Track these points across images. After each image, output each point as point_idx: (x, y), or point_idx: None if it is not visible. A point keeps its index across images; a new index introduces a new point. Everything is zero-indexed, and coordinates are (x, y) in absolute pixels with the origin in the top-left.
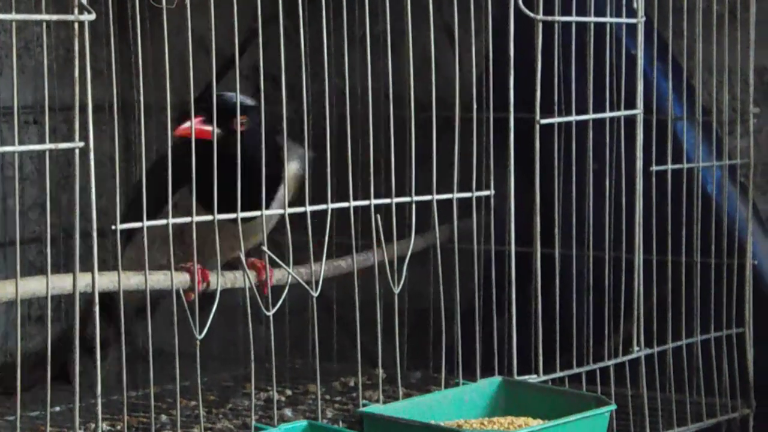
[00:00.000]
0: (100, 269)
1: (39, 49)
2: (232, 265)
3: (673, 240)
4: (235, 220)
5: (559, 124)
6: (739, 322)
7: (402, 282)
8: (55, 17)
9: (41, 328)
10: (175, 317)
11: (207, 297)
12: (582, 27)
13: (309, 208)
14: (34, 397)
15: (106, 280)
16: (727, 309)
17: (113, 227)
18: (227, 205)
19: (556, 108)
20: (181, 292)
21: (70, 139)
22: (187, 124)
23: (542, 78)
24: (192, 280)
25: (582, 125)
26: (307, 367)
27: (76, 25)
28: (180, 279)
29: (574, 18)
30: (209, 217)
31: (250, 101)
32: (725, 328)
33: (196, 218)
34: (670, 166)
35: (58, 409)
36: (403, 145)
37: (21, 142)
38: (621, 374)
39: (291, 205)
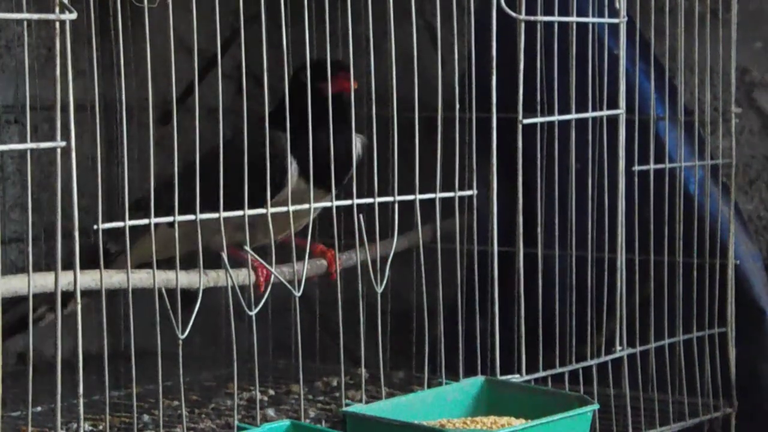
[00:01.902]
0: (82, 269)
1: (20, 48)
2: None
3: (656, 240)
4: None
5: (542, 123)
6: (721, 322)
7: (385, 282)
8: (36, 16)
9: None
10: (157, 317)
11: (189, 296)
12: (564, 27)
13: (291, 208)
14: (15, 397)
15: (88, 278)
16: (710, 309)
17: (95, 227)
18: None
19: (538, 108)
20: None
21: (52, 138)
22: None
23: (525, 78)
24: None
25: (564, 125)
26: (289, 366)
27: (58, 24)
28: (162, 277)
29: (556, 18)
30: (191, 217)
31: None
32: (707, 328)
33: (179, 218)
34: (652, 166)
35: (39, 409)
36: (385, 144)
37: (2, 142)
38: (604, 374)
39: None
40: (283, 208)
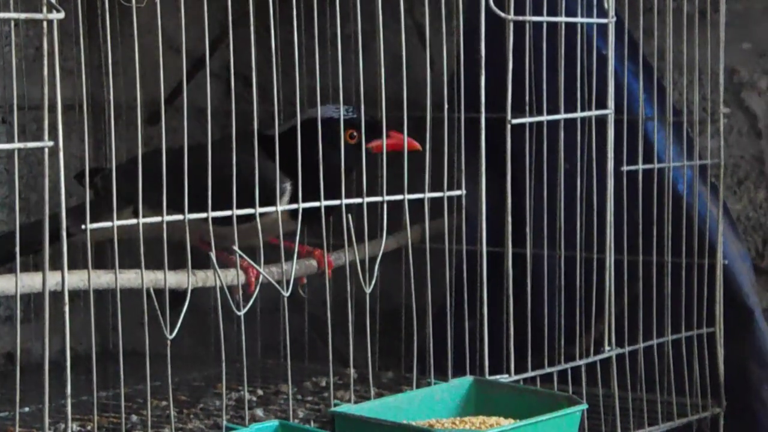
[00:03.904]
0: (70, 269)
1: (8, 48)
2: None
3: (645, 240)
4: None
5: (531, 124)
6: (709, 322)
7: (374, 282)
8: (23, 15)
9: (10, 328)
10: (145, 317)
11: (178, 296)
12: (553, 27)
13: (280, 208)
14: (2, 397)
15: (75, 279)
16: (698, 309)
17: (83, 227)
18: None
19: (527, 108)
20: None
21: (40, 138)
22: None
23: (513, 78)
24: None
25: (553, 125)
26: (278, 366)
27: (45, 24)
28: (151, 278)
29: (545, 18)
30: (179, 217)
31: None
32: (696, 328)
33: (167, 218)
34: (641, 166)
35: (27, 409)
36: None
37: None
38: (592, 374)
39: None
40: (250, 210)
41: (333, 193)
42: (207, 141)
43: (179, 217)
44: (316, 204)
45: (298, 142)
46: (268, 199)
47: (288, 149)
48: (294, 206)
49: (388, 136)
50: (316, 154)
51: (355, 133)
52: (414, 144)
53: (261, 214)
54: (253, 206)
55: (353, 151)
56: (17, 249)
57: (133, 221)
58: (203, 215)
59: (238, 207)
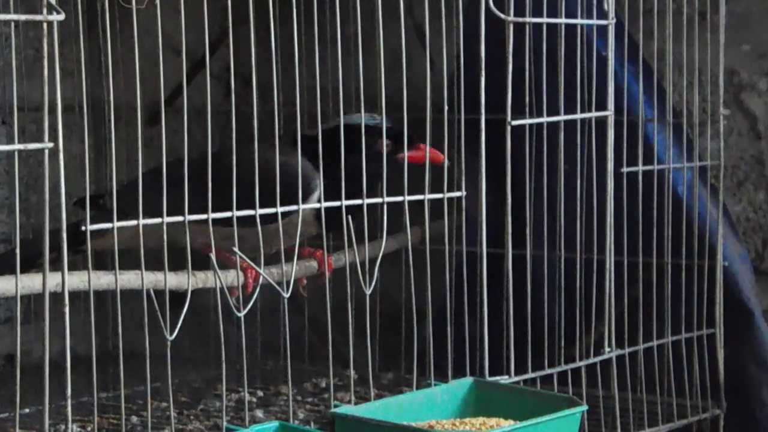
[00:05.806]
0: (70, 270)
1: (8, 50)
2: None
3: (644, 241)
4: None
5: (531, 125)
6: (709, 323)
7: (374, 283)
8: (23, 17)
9: (11, 329)
10: (145, 318)
11: (178, 297)
12: (553, 28)
13: (280, 209)
14: (2, 398)
15: (76, 280)
16: (698, 310)
17: (83, 228)
18: None
19: (527, 109)
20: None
21: (40, 139)
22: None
23: (513, 79)
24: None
25: (553, 126)
26: (278, 368)
27: (45, 26)
28: (151, 279)
29: (545, 19)
30: (179, 218)
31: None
32: (696, 329)
33: (167, 219)
34: (641, 168)
35: (27, 410)
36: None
37: None
38: (592, 375)
39: None
40: (271, 210)
41: (359, 196)
42: (209, 143)
43: (179, 218)
44: (336, 204)
45: (341, 144)
46: (304, 194)
47: (318, 150)
48: (294, 207)
49: (417, 148)
50: (354, 158)
51: (389, 143)
52: (437, 157)
53: (287, 214)
54: (283, 203)
55: (383, 159)
56: (17, 249)
57: (133, 222)
58: (227, 214)
59: (266, 204)
